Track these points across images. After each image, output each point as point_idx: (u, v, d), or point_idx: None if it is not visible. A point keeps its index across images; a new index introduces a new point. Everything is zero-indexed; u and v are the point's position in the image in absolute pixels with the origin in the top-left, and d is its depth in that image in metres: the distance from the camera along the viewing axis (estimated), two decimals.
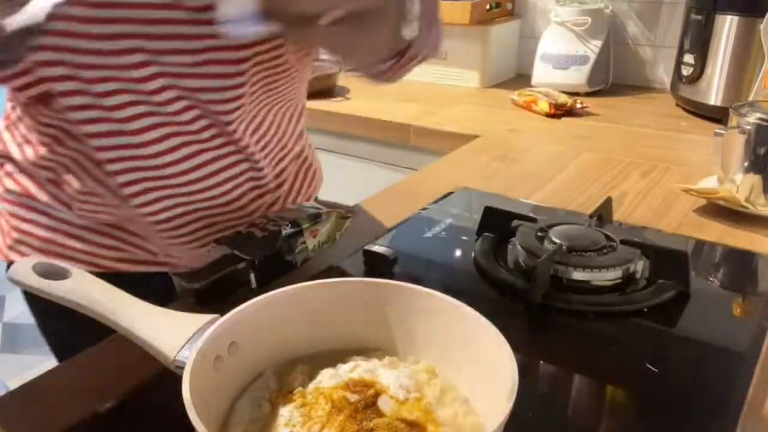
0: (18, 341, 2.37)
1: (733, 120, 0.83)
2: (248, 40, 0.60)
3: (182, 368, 0.38)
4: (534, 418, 0.47)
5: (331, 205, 0.71)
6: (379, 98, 1.47)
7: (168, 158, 0.63)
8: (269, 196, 0.73)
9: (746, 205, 0.80)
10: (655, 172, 0.99)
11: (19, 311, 2.47)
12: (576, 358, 0.55)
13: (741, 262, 0.72)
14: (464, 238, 0.75)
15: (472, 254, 0.70)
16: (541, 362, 0.55)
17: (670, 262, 0.63)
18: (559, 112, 1.34)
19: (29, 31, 0.48)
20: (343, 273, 0.67)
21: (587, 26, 1.47)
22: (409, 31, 0.58)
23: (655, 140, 1.18)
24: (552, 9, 1.53)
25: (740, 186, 0.82)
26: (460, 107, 1.45)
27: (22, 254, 0.69)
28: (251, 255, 0.62)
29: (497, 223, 0.73)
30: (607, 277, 0.63)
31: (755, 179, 0.81)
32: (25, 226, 0.69)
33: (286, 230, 0.64)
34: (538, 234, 0.68)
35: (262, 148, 0.70)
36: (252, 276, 0.62)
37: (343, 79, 1.59)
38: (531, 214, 0.74)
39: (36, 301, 0.76)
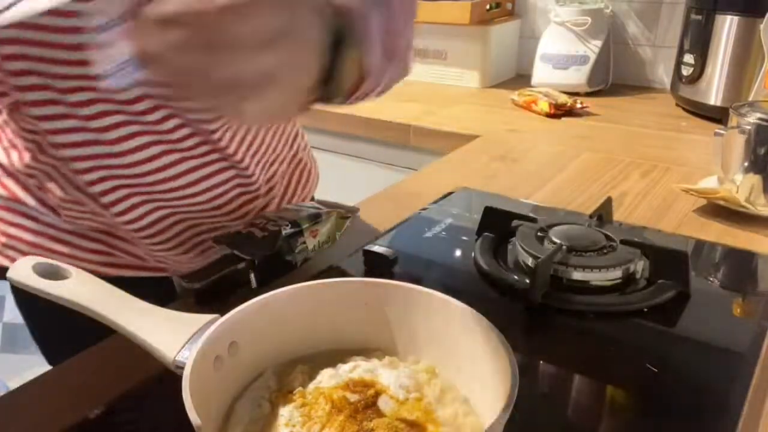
0: (18, 341, 2.37)
1: (733, 120, 0.83)
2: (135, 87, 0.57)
3: (182, 368, 0.38)
4: (534, 418, 0.47)
5: (331, 205, 0.71)
6: (379, 98, 1.47)
7: (148, 167, 0.61)
8: (260, 200, 0.72)
9: (746, 205, 0.80)
10: (655, 172, 0.99)
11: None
12: (576, 358, 0.55)
13: (741, 262, 0.72)
14: (464, 238, 0.75)
15: (472, 254, 0.70)
16: (541, 362, 0.55)
17: (670, 262, 0.63)
18: (559, 112, 1.34)
19: None
20: (343, 273, 0.67)
21: (587, 26, 1.47)
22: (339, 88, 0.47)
23: (655, 140, 1.18)
24: (552, 9, 1.53)
25: (740, 186, 0.82)
26: (460, 107, 1.45)
27: (10, 258, 0.68)
28: (251, 255, 0.62)
29: (497, 223, 0.73)
30: (607, 277, 0.63)
31: (755, 179, 0.81)
32: (12, 231, 0.68)
33: (286, 230, 0.64)
34: (538, 234, 0.68)
35: (253, 155, 0.68)
36: (252, 276, 0.62)
37: None
38: (531, 214, 0.74)
39: (25, 302, 0.77)
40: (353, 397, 0.40)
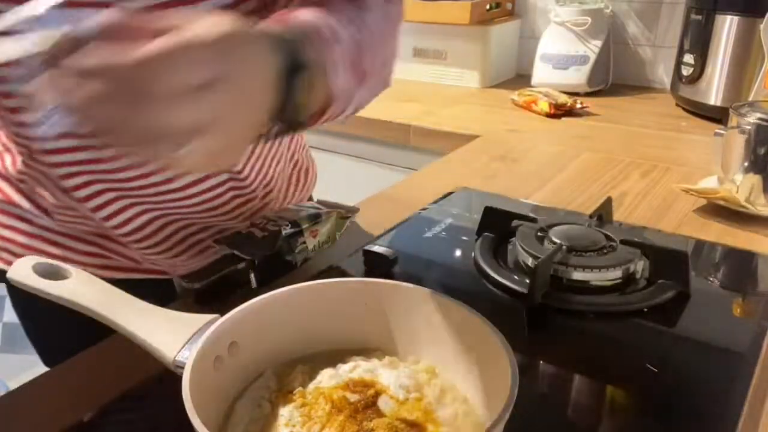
0: (18, 341, 2.37)
1: (733, 120, 0.83)
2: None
3: (182, 368, 0.38)
4: (534, 418, 0.47)
5: (331, 205, 0.71)
6: (379, 98, 1.47)
7: (134, 172, 0.61)
8: (256, 201, 0.71)
9: (746, 205, 0.80)
10: (655, 172, 0.99)
11: None
12: (576, 358, 0.55)
13: (741, 262, 0.72)
14: (464, 238, 0.75)
15: (472, 254, 0.70)
16: (541, 362, 0.55)
17: (670, 262, 0.63)
18: (559, 112, 1.34)
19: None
20: (343, 273, 0.66)
21: (587, 26, 1.47)
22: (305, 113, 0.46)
23: (655, 140, 1.18)
24: (552, 9, 1.53)
25: (740, 186, 0.82)
26: (460, 107, 1.45)
27: (4, 261, 0.68)
28: (251, 255, 0.62)
29: (497, 223, 0.73)
30: (607, 277, 0.63)
31: (755, 179, 0.81)
32: (6, 233, 0.68)
33: (286, 230, 0.64)
34: (538, 234, 0.68)
35: (247, 159, 0.67)
36: (252, 276, 0.62)
37: None
38: (531, 214, 0.74)
39: (21, 302, 0.76)
40: (353, 397, 0.40)
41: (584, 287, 0.62)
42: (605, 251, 0.65)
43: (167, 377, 0.40)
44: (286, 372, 0.45)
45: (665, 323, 0.59)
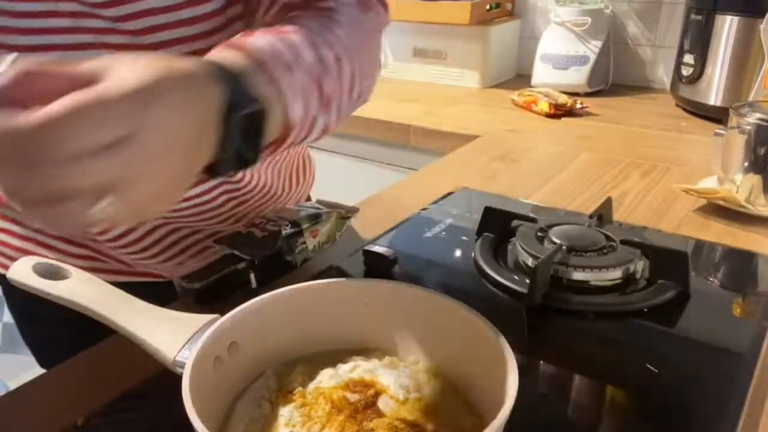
0: (18, 341, 2.35)
1: (733, 120, 0.83)
2: None
3: (182, 368, 0.38)
4: (534, 418, 0.47)
5: (331, 205, 0.71)
6: (379, 98, 1.47)
7: None
8: (251, 202, 0.71)
9: (746, 205, 0.80)
10: (655, 172, 0.99)
11: None
12: (576, 358, 0.55)
13: (741, 262, 0.72)
14: (464, 238, 0.75)
15: (472, 254, 0.70)
16: (541, 362, 0.55)
17: (670, 262, 0.63)
18: (559, 112, 1.34)
19: None
20: (343, 273, 0.67)
21: (587, 26, 1.47)
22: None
23: (655, 140, 1.18)
24: (552, 9, 1.53)
25: (740, 186, 0.82)
26: (460, 107, 1.45)
27: None
28: (251, 255, 0.62)
29: (497, 223, 0.73)
30: (607, 277, 0.63)
31: (755, 179, 0.81)
32: (0, 236, 0.68)
33: (286, 230, 0.64)
34: (538, 234, 0.68)
35: None
36: (252, 276, 0.62)
37: None
38: (531, 214, 0.74)
39: (18, 303, 0.76)
40: (353, 397, 0.40)
41: (584, 287, 0.62)
42: (605, 251, 0.65)
43: (167, 377, 0.40)
44: (286, 372, 0.45)
45: (665, 323, 0.59)
